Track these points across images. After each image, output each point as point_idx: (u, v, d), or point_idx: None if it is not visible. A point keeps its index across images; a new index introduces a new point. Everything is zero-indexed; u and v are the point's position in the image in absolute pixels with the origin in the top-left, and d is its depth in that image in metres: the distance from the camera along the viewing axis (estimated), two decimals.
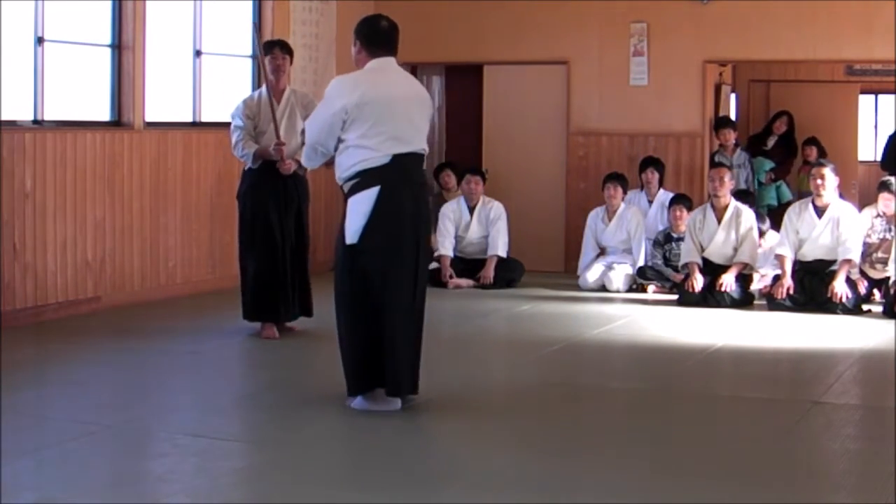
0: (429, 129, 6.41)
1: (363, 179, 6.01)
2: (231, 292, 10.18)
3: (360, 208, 6.02)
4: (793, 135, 13.46)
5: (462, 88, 12.60)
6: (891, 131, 12.59)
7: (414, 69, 12.09)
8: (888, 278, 9.51)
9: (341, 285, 6.14)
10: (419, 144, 6.16)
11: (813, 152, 13.28)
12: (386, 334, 6.01)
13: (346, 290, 6.11)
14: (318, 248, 11.67)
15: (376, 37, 6.18)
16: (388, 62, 6.19)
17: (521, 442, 5.73)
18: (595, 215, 11.05)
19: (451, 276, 10.81)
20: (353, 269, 6.06)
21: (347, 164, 6.06)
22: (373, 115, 5.99)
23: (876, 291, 9.71)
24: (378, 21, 6.25)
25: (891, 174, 11.56)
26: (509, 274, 10.93)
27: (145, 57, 9.56)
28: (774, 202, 12.89)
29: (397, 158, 6.01)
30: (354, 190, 6.05)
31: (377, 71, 6.14)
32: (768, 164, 13.07)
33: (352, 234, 6.06)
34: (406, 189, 6.05)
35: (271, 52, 8.29)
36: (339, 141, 6.07)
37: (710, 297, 9.84)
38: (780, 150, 13.30)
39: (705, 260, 10.08)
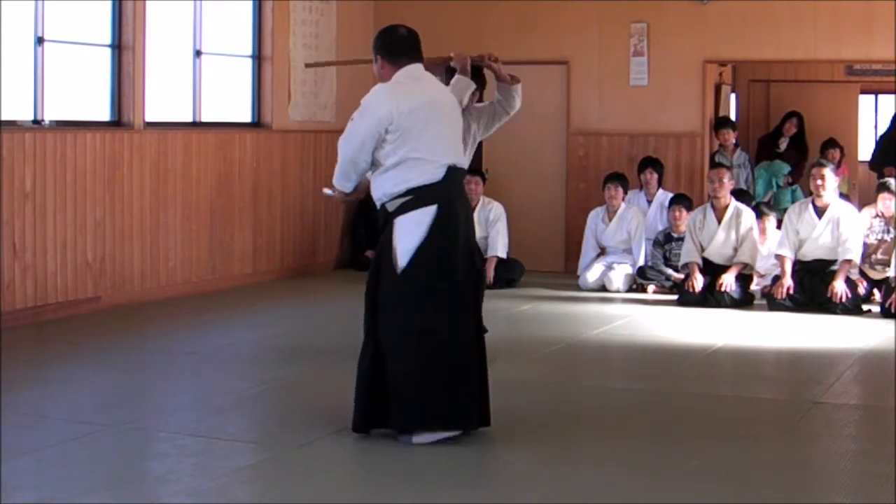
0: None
1: (417, 197, 5.51)
2: (231, 292, 10.22)
3: (413, 228, 5.50)
4: (804, 136, 13.39)
5: None
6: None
7: None
8: (888, 279, 9.51)
9: (404, 318, 5.53)
10: (462, 154, 5.83)
11: (837, 154, 13.13)
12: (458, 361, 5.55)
13: (410, 320, 5.53)
14: (318, 249, 11.69)
15: (396, 45, 5.72)
16: (416, 69, 5.73)
17: (520, 442, 5.73)
18: (595, 215, 11.05)
19: None
20: (409, 295, 5.52)
21: (398, 180, 5.53)
22: (419, 122, 5.54)
23: (876, 292, 9.71)
24: (395, 29, 5.80)
25: (878, 175, 11.54)
26: (509, 274, 10.93)
27: (145, 57, 9.56)
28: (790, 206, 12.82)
29: (451, 172, 5.59)
30: (405, 209, 5.53)
31: (411, 78, 5.67)
32: (786, 168, 13.01)
33: (402, 256, 5.51)
34: (459, 205, 5.66)
35: None
36: (382, 157, 5.57)
37: (710, 297, 9.85)
38: (792, 153, 13.22)
39: (705, 260, 10.08)
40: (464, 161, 5.84)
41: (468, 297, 5.63)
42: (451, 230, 5.58)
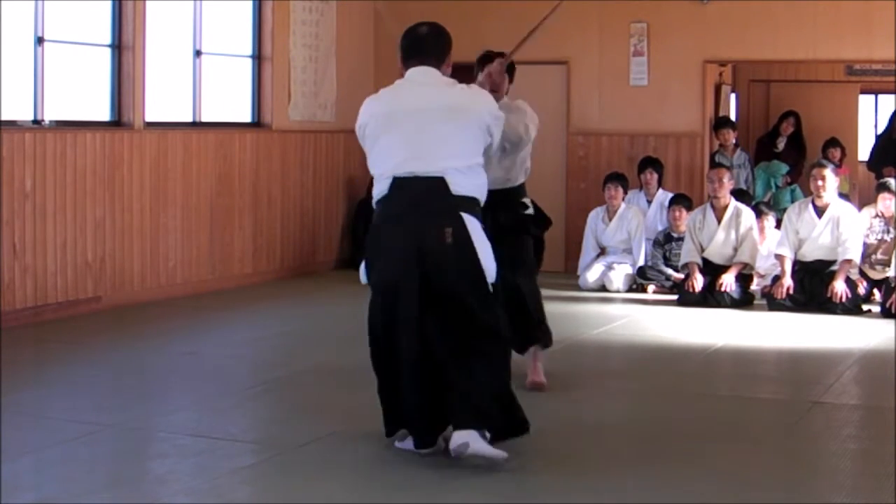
0: (483, 145, 5.40)
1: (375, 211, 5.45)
2: (231, 292, 10.22)
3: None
4: (801, 135, 13.39)
5: None
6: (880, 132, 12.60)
7: None
8: (888, 279, 9.52)
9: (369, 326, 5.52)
10: (439, 163, 5.23)
11: (837, 153, 13.15)
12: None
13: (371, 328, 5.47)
14: (318, 249, 11.70)
15: (406, 47, 5.46)
16: (422, 72, 5.42)
17: (520, 442, 5.72)
18: (595, 215, 11.05)
19: None
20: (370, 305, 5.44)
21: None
22: (372, 135, 5.36)
23: (876, 291, 9.71)
24: (413, 29, 5.50)
25: (877, 175, 11.54)
26: None
27: (145, 57, 9.56)
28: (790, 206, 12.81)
29: (397, 183, 5.24)
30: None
31: (401, 84, 5.46)
32: (784, 168, 13.01)
33: (362, 270, 5.46)
34: (399, 224, 5.23)
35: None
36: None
37: (710, 297, 9.85)
38: (791, 153, 13.21)
39: (705, 260, 10.08)
40: (428, 168, 5.22)
41: (411, 310, 5.21)
42: (385, 248, 5.26)
